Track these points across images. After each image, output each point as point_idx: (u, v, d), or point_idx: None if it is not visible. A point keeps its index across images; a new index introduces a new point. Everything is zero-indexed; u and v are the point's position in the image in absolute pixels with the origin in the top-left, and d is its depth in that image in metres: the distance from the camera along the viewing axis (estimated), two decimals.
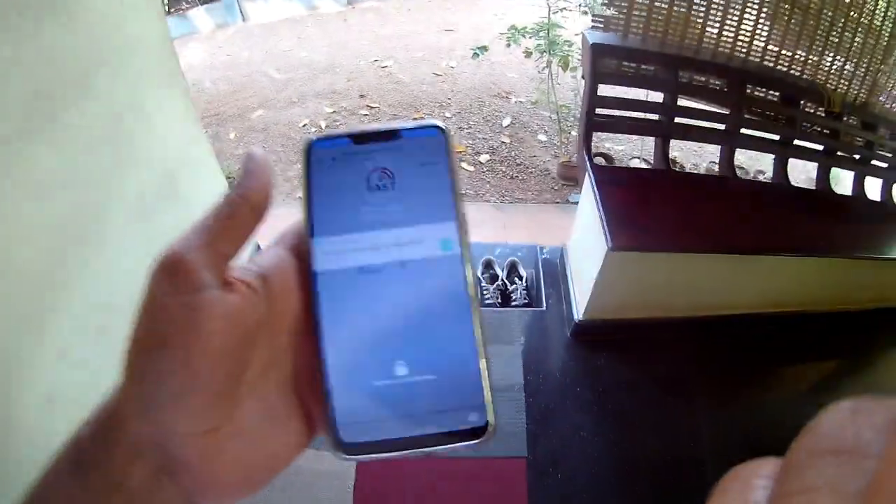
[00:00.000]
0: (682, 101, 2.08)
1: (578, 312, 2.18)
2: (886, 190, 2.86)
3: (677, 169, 3.63)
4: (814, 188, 2.50)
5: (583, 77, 1.98)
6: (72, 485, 0.24)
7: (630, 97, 2.05)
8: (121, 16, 1.49)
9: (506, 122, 4.03)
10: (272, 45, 5.50)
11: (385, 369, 0.27)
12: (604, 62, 1.93)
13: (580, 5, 3.41)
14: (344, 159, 0.30)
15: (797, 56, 2.10)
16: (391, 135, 0.30)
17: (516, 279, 2.42)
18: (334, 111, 4.23)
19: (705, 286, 2.17)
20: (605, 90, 1.95)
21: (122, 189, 1.46)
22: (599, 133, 2.31)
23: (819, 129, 2.40)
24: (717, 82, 2.11)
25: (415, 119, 4.02)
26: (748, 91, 2.15)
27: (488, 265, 2.47)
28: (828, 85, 2.21)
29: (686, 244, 1.84)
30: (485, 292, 2.34)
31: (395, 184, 0.29)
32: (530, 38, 3.39)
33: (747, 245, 1.92)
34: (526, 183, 3.60)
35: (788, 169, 2.29)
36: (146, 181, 1.58)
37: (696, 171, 3.85)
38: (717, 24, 1.95)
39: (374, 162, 0.30)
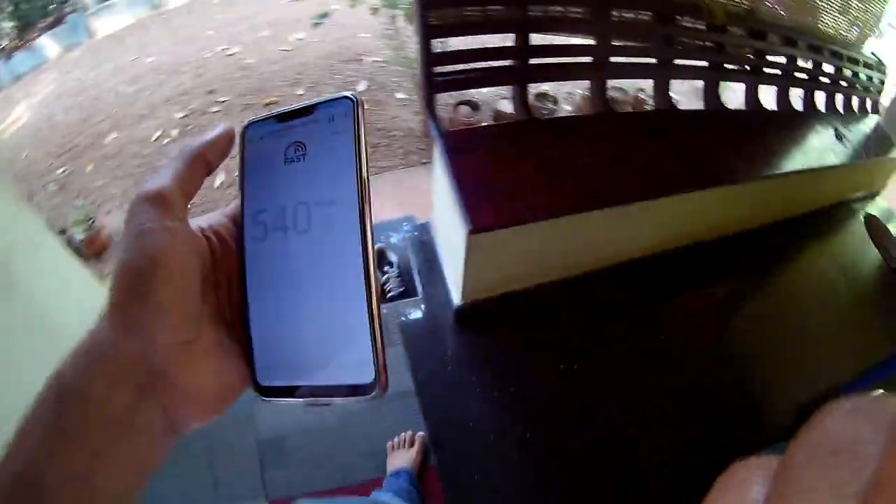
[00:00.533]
0: (542, 40, 1.84)
1: (457, 296, 1.97)
2: (782, 97, 2.80)
3: (549, 105, 3.51)
4: (702, 107, 2.38)
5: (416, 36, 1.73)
6: (53, 418, 0.25)
7: (480, 47, 1.78)
8: None
9: (361, 86, 3.87)
10: (118, 57, 5.16)
11: (290, 324, 0.31)
12: (437, 12, 1.66)
13: None
14: (269, 137, 0.34)
15: None
16: (308, 110, 0.33)
17: (387, 268, 2.24)
18: (185, 115, 4.01)
19: (591, 241, 1.99)
20: (453, 43, 1.73)
21: None
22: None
23: (702, 43, 2.24)
24: (576, 10, 1.87)
25: (266, 105, 3.83)
26: (614, 16, 1.93)
27: None
28: None
29: (557, 208, 1.63)
30: None
31: (306, 155, 0.32)
32: None
33: (630, 193, 1.72)
34: (390, 148, 3.48)
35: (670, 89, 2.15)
36: None
37: (568, 105, 3.75)
38: None
39: (291, 136, 0.33)
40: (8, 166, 4.95)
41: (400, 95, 3.81)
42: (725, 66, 2.36)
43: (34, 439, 0.25)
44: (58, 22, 6.64)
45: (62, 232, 3.59)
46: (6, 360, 1.26)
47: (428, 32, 1.65)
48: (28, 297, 1.51)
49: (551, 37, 1.96)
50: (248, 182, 0.34)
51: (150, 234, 0.27)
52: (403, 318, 2.04)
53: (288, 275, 0.31)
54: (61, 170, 4.39)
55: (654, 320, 2.18)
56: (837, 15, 3.04)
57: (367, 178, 0.31)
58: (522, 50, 1.80)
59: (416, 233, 2.36)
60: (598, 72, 1.98)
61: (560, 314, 2.08)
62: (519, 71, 1.84)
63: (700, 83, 2.42)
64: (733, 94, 2.88)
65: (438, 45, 1.72)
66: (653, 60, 2.11)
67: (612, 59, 1.97)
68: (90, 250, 3.53)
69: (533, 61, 1.85)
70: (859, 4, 3.18)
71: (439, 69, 1.72)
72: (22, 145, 5.10)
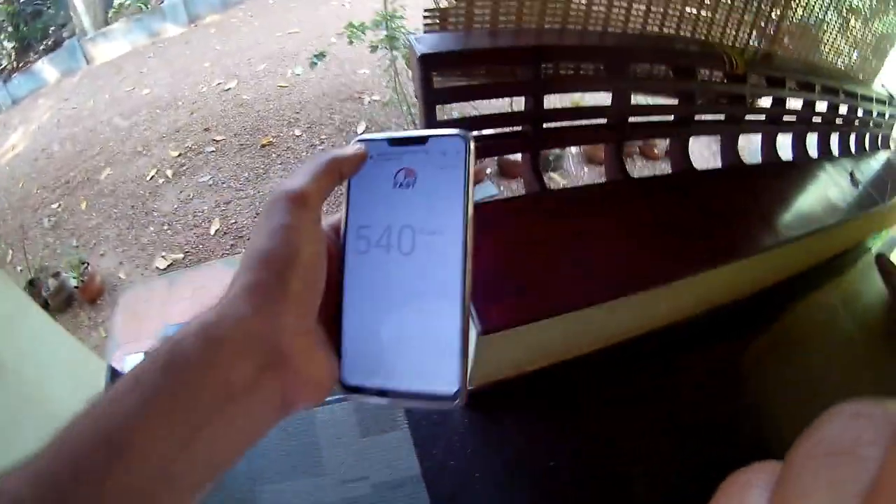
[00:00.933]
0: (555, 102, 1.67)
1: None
2: (797, 144, 2.68)
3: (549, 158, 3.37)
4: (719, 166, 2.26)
5: (416, 97, 1.61)
6: (162, 384, 0.25)
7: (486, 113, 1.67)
8: None
9: (361, 127, 3.78)
10: (115, 87, 5.10)
11: (383, 332, 0.33)
12: (440, 75, 1.51)
13: None
14: (379, 158, 0.35)
15: (686, 14, 1.75)
16: (421, 140, 0.35)
17: None
18: (180, 154, 3.94)
19: (605, 324, 1.87)
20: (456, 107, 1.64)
21: None
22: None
23: (721, 97, 2.11)
24: (590, 67, 1.75)
25: (263, 146, 3.75)
26: (632, 72, 1.79)
27: None
28: (724, 43, 1.90)
29: (574, 300, 1.49)
30: None
31: (416, 182, 0.34)
32: (373, 32, 3.11)
33: (657, 276, 1.60)
34: None
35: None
36: None
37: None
38: None
39: (402, 162, 0.35)
40: (5, 196, 4.90)
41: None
42: (745, 118, 2.25)
43: (131, 402, 0.24)
44: (57, 45, 6.59)
45: (56, 275, 3.53)
46: None
47: (431, 97, 1.47)
48: (16, 376, 1.47)
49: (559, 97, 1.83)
50: (354, 197, 0.35)
51: (293, 228, 0.30)
52: None
53: (386, 288, 0.33)
54: (56, 204, 4.32)
55: (667, 389, 2.08)
56: (838, 37, 2.93)
57: (472, 214, 0.33)
58: (535, 115, 1.62)
59: None
60: (616, 134, 1.81)
61: (572, 393, 1.98)
62: (531, 138, 1.67)
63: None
64: (744, 140, 2.79)
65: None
66: (671, 117, 1.98)
67: (631, 118, 1.83)
68: (84, 297, 3.46)
69: (546, 125, 1.69)
70: (859, 25, 3.08)
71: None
72: (17, 176, 5.03)
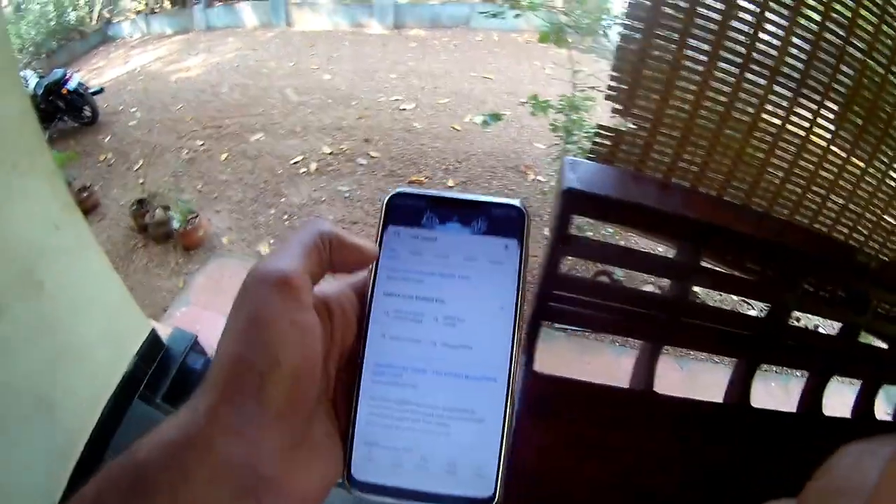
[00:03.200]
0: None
1: None
2: None
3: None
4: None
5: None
6: None
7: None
8: None
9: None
10: (302, 59, 5.18)
11: (410, 423, 0.28)
12: (579, 216, 1.17)
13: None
14: (420, 220, 0.31)
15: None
16: (472, 204, 0.30)
17: None
18: (332, 152, 3.82)
19: None
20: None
21: None
22: None
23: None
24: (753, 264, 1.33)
25: (411, 181, 3.55)
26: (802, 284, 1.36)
27: None
28: None
29: None
30: None
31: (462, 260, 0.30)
32: (555, 112, 2.86)
33: None
34: None
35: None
36: None
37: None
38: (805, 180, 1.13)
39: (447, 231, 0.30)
40: (162, 110, 5.06)
41: (547, 233, 3.39)
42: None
43: None
44: None
45: (166, 208, 3.48)
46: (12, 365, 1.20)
47: (560, 240, 1.10)
48: (50, 305, 1.40)
49: None
50: (385, 259, 0.30)
51: (273, 327, 0.24)
52: None
53: (416, 375, 0.28)
54: (200, 142, 4.35)
55: None
56: None
57: (525, 299, 0.29)
58: (675, 303, 1.26)
59: None
60: (755, 352, 1.43)
61: None
62: (662, 327, 1.28)
63: None
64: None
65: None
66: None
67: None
68: (182, 241, 3.38)
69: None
70: None
71: (560, 293, 1.20)
72: (180, 97, 5.20)
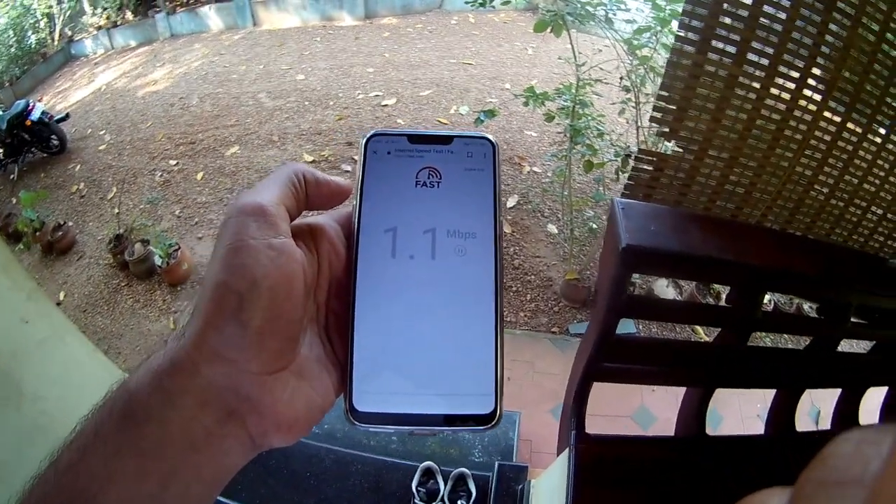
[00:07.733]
0: None
1: None
2: None
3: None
4: None
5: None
6: (123, 438, 0.23)
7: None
8: None
9: (511, 201, 3.27)
10: (272, 60, 4.90)
11: (405, 347, 0.28)
12: (641, 272, 0.98)
13: (622, 79, 2.55)
14: (398, 155, 0.32)
15: None
16: (445, 140, 0.32)
17: (461, 499, 1.67)
18: (314, 161, 3.61)
19: None
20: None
21: None
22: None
23: None
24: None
25: None
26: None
27: (428, 473, 1.76)
28: None
29: None
30: None
31: (441, 183, 0.31)
32: (553, 101, 2.62)
33: None
34: (521, 296, 2.83)
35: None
36: None
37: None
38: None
39: (424, 160, 0.32)
40: (132, 130, 4.79)
41: (551, 229, 3.17)
42: None
43: (95, 462, 0.23)
44: None
45: (145, 242, 3.27)
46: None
47: (619, 301, 0.89)
48: (33, 404, 1.39)
49: None
50: (369, 193, 0.31)
51: (250, 251, 0.24)
52: None
53: (407, 298, 0.29)
54: (174, 161, 4.10)
55: None
56: None
57: (502, 220, 0.30)
58: (727, 351, 1.11)
59: (505, 467, 1.71)
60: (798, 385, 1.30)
61: None
62: (709, 373, 1.16)
63: None
64: None
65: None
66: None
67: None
68: (166, 278, 3.18)
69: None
70: None
71: (613, 361, 1.03)
72: (149, 114, 4.92)
